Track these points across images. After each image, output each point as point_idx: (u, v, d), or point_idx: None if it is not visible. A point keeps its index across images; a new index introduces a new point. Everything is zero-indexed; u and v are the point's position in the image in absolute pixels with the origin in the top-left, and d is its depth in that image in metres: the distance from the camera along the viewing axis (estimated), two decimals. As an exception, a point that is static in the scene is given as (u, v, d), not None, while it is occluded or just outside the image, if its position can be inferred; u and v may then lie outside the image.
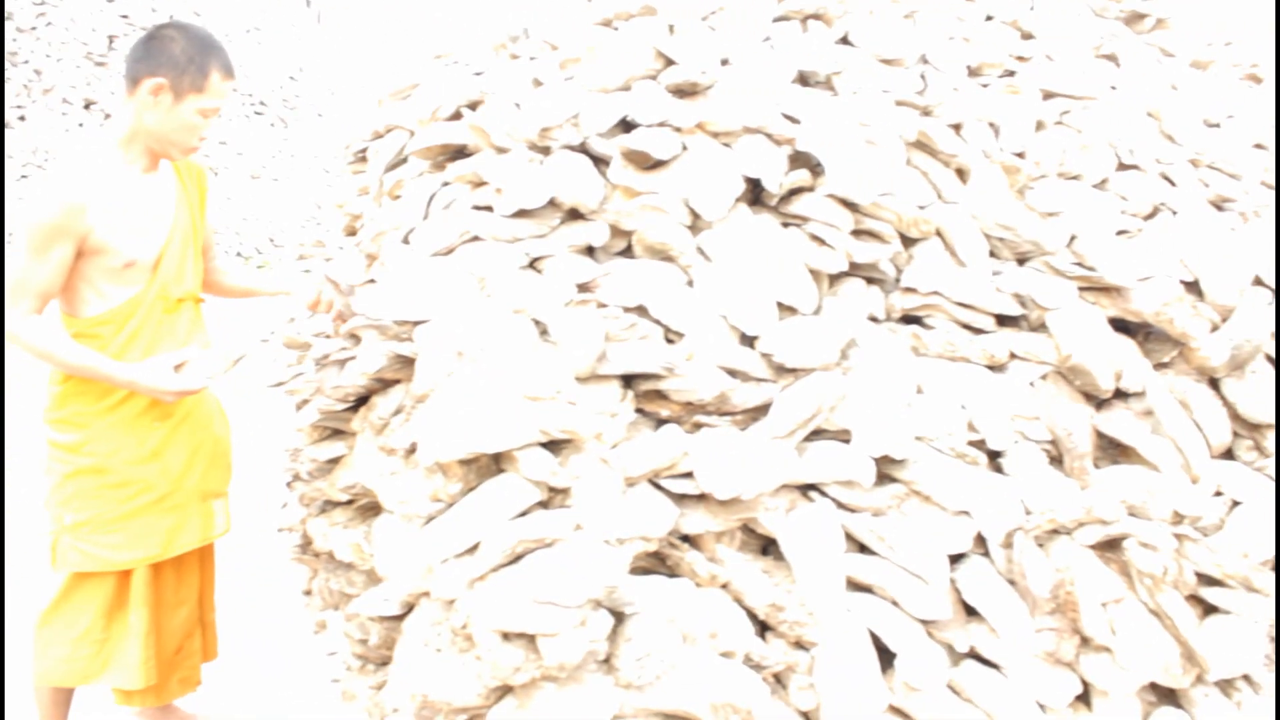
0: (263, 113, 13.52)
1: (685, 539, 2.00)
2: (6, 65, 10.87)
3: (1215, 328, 2.40)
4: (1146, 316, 2.36)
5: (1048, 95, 2.84)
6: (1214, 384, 2.39)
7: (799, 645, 1.89)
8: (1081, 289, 2.41)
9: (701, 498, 1.94)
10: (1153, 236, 2.50)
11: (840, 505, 2.04)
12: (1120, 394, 2.36)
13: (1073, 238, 2.52)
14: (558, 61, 2.64)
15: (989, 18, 3.09)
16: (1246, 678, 2.08)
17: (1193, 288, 2.47)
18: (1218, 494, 2.26)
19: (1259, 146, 3.19)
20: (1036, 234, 2.46)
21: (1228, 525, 2.20)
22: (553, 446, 1.95)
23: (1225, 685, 2.07)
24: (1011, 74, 2.87)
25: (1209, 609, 2.12)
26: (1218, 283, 2.45)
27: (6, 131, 10.55)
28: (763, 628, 1.93)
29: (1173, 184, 2.89)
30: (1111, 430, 2.24)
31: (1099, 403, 2.37)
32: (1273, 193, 2.84)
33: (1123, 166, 2.83)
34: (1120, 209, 2.72)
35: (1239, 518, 2.21)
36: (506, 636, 1.74)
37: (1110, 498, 2.13)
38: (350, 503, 2.33)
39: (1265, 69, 3.41)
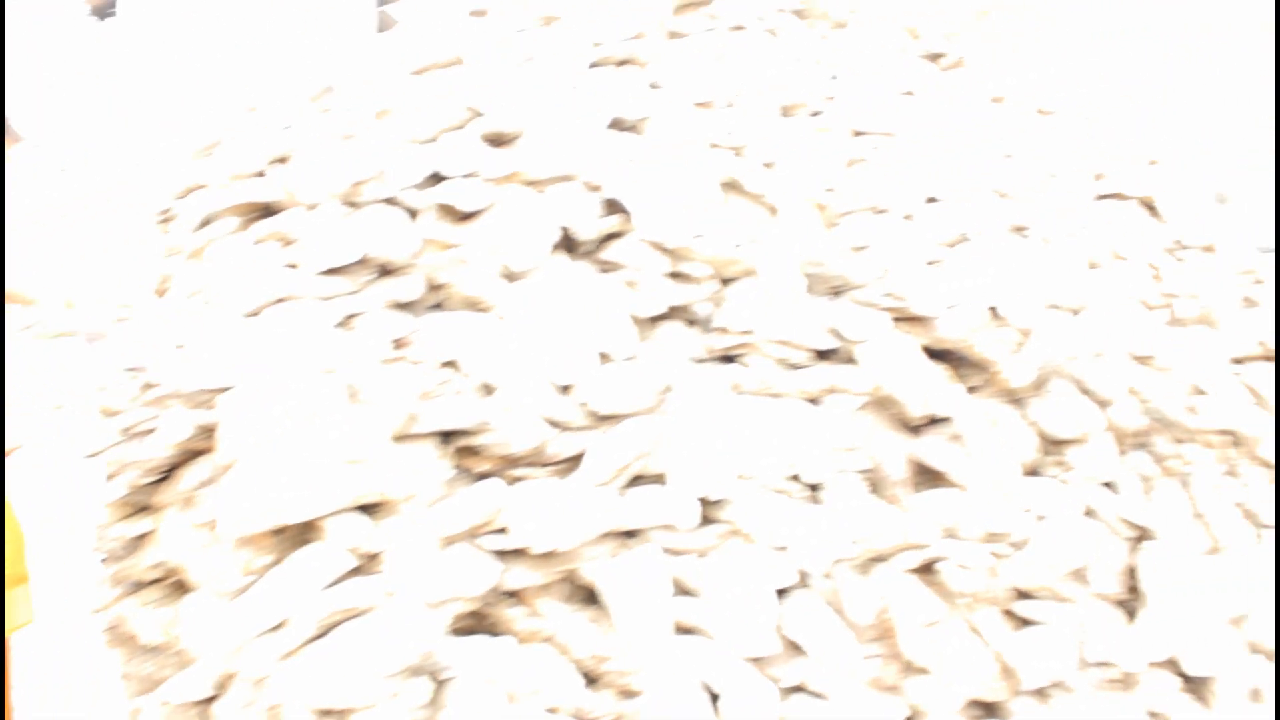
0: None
1: (511, 594, 1.97)
2: None
3: (1018, 349, 2.51)
4: (953, 343, 2.46)
5: (856, 133, 2.95)
6: (1018, 404, 2.51)
7: (626, 694, 1.88)
8: (895, 319, 2.50)
9: (522, 552, 1.92)
10: (958, 264, 2.61)
11: (666, 549, 2.05)
12: (935, 420, 2.44)
13: (884, 270, 2.61)
14: (368, 114, 2.60)
15: (797, 58, 3.20)
16: (1060, 684, 2.17)
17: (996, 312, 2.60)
18: (1027, 510, 2.36)
19: (1053, 176, 3.39)
20: (847, 268, 2.53)
21: (1036, 539, 2.30)
22: (367, 510, 1.90)
23: (1040, 694, 2.15)
24: (819, 113, 2.97)
25: (1023, 622, 2.20)
26: (1017, 306, 2.58)
27: None
28: (589, 679, 1.91)
29: (976, 214, 3.04)
30: (924, 456, 2.32)
31: (918, 428, 2.44)
32: (1063, 216, 3.01)
33: (930, 199, 2.96)
34: (928, 239, 2.85)
35: (1046, 531, 2.32)
36: (322, 713, 1.68)
37: (926, 522, 2.20)
38: (160, 581, 2.21)
39: (1056, 103, 3.64)
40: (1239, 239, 3.22)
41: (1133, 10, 4.93)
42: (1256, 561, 2.47)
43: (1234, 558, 2.51)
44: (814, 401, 2.39)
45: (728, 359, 2.42)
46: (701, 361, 2.41)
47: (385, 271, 2.28)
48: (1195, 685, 2.29)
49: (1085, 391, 2.53)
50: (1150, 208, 3.19)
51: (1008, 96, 3.48)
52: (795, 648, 2.02)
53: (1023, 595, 2.20)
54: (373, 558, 1.85)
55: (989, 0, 4.17)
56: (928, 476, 2.39)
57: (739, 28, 3.20)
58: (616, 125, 2.65)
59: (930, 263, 2.65)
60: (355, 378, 2.03)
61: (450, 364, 2.09)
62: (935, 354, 2.50)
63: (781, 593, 2.07)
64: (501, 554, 1.93)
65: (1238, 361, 2.87)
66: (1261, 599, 2.41)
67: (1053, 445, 2.48)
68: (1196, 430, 2.58)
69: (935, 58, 3.60)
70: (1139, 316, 2.76)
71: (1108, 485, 2.51)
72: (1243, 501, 2.60)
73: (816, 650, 1.97)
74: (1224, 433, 2.70)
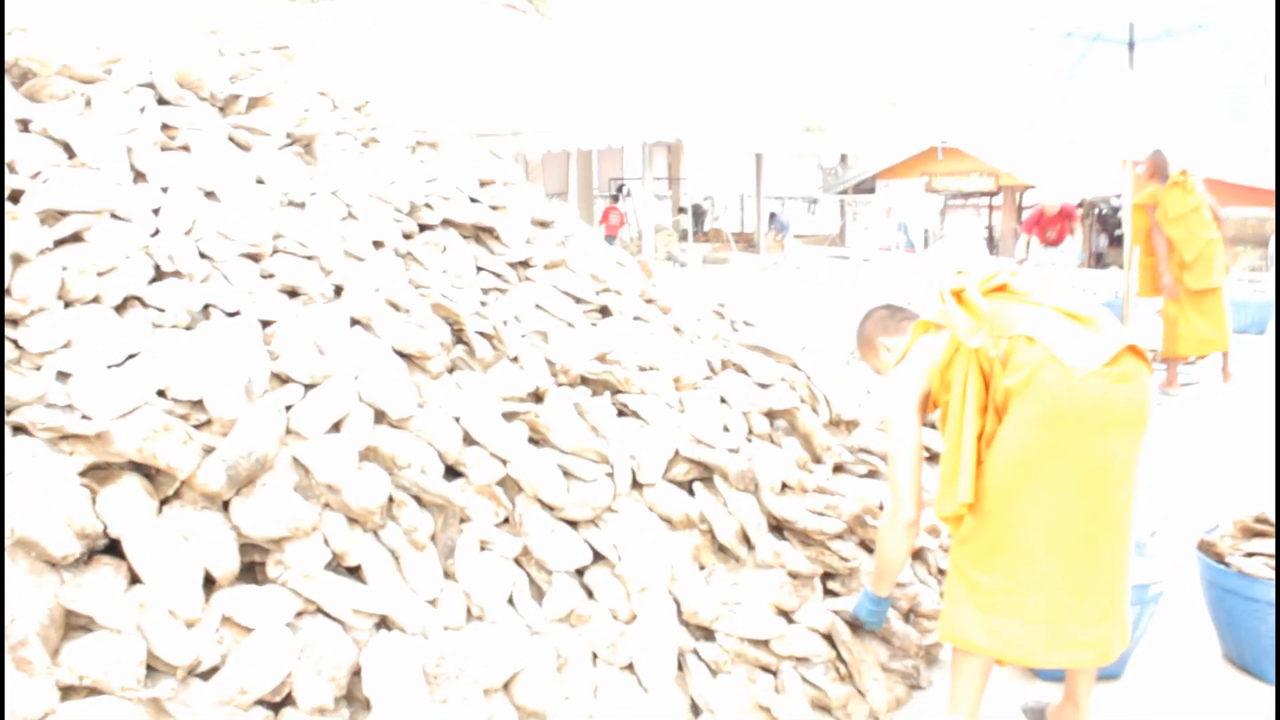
0: None
1: None
2: None
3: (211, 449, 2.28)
4: (132, 456, 2.19)
5: (60, 214, 2.59)
6: (227, 506, 2.29)
7: None
8: (57, 438, 2.18)
9: None
10: (137, 360, 2.35)
11: None
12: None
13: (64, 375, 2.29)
14: None
15: None
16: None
17: (199, 405, 2.36)
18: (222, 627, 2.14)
19: (351, 217, 3.23)
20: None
21: (230, 659, 2.09)
22: None
23: None
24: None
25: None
26: (220, 398, 2.35)
27: None
28: None
29: (229, 281, 2.79)
30: (73, 604, 2.02)
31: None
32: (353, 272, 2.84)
33: (162, 274, 2.68)
34: (158, 321, 2.56)
35: (241, 651, 2.11)
36: None
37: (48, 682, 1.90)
38: None
39: (383, 133, 3.49)
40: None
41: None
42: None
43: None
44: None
45: None
46: None
47: None
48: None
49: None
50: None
51: (318, 133, 3.27)
52: None
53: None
54: None
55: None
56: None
57: None
58: None
59: (113, 365, 2.36)
60: None
61: None
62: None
63: None
64: None
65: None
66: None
67: (261, 549, 2.28)
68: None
69: (233, 100, 3.34)
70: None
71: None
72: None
73: None
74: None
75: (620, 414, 3.27)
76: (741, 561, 3.02)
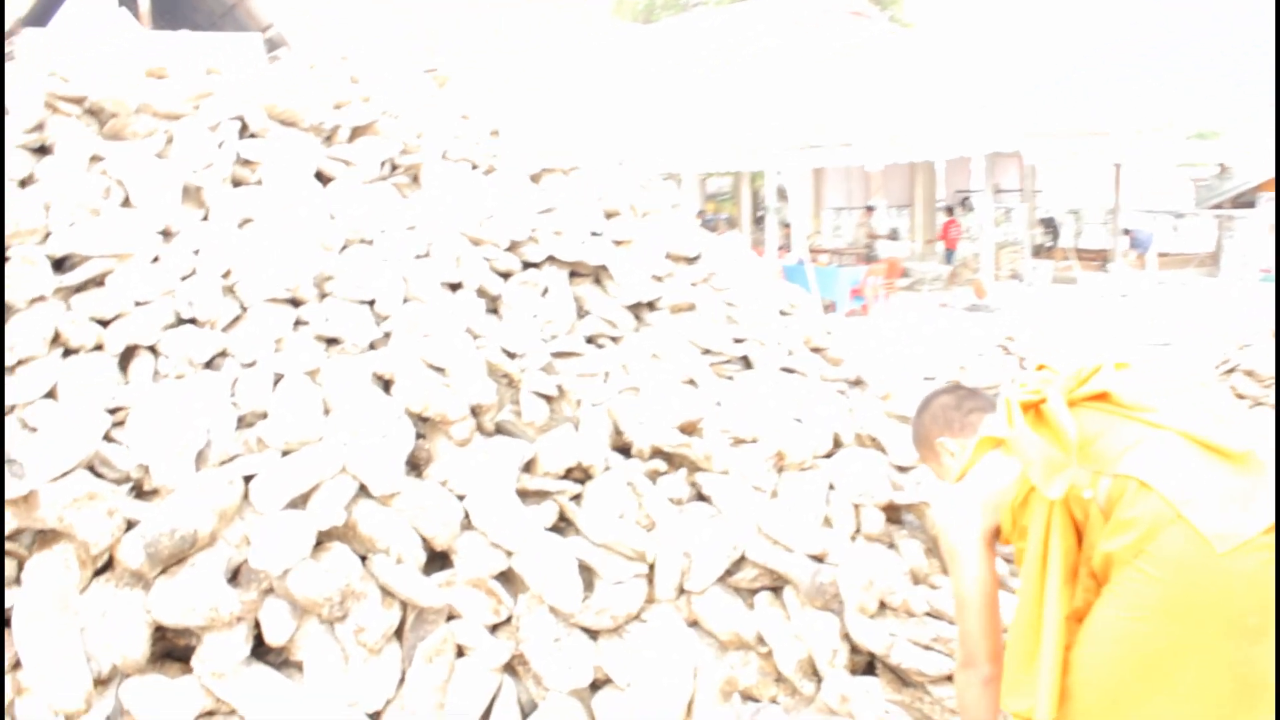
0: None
1: None
2: None
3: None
4: (52, 524, 2.05)
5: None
6: (154, 586, 2.11)
7: None
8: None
9: None
10: (85, 418, 2.22)
11: None
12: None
13: None
14: None
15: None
16: None
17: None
18: None
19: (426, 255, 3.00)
20: None
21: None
22: None
23: None
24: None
25: None
26: (164, 464, 2.18)
27: None
28: None
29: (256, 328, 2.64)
30: None
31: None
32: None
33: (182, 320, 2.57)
34: (163, 370, 2.46)
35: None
36: None
37: None
38: None
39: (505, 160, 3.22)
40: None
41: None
42: None
43: None
44: None
45: None
46: None
47: None
48: None
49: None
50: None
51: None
52: None
53: None
54: None
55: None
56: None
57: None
58: None
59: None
60: None
61: None
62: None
63: None
64: None
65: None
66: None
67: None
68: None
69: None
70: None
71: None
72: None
73: None
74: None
75: (699, 497, 2.79)
76: (805, 698, 2.44)
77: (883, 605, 2.57)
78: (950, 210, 18.30)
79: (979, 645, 1.88)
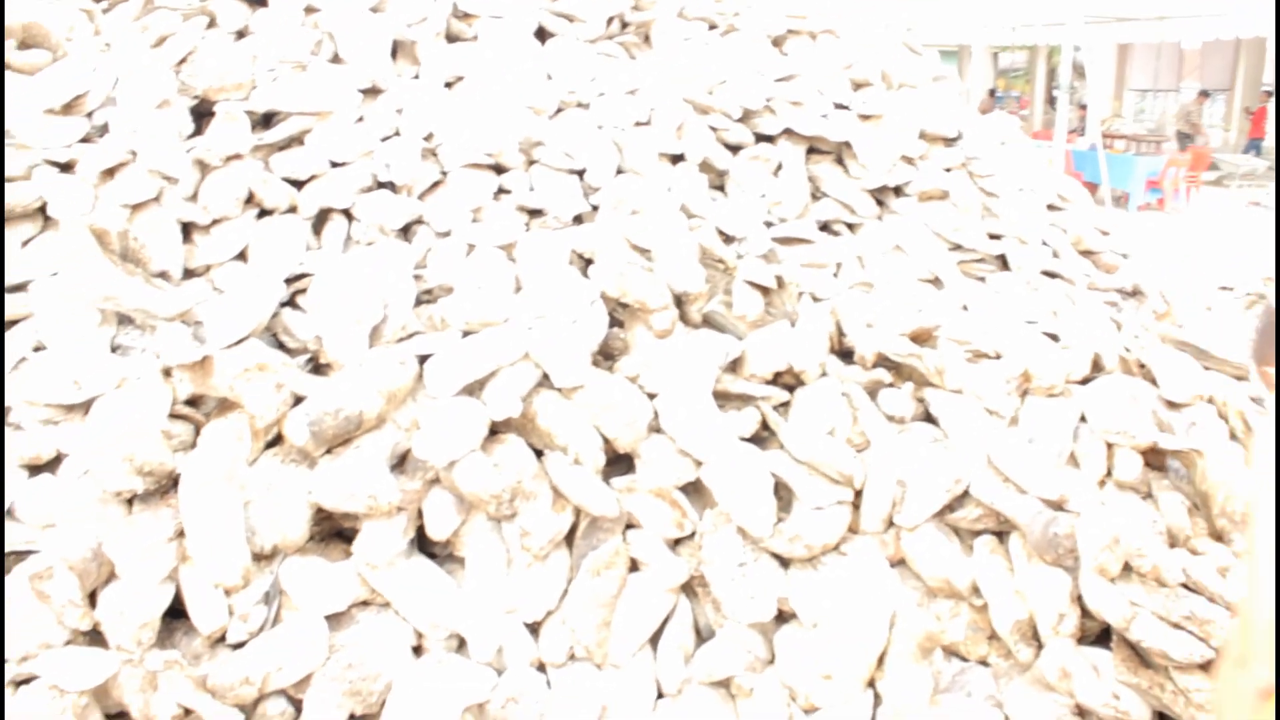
0: None
1: None
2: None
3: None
4: (223, 393, 1.98)
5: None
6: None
7: None
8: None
9: None
10: (266, 284, 2.11)
11: None
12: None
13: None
14: None
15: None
16: None
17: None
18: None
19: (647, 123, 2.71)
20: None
21: (255, 641, 1.84)
22: None
23: None
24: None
25: None
26: (337, 338, 2.05)
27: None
28: None
29: (454, 196, 2.46)
30: (106, 545, 1.89)
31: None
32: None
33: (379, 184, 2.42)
34: (356, 235, 2.33)
35: (269, 636, 1.85)
36: None
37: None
38: None
39: (747, 19, 2.84)
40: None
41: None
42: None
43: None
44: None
45: None
46: None
47: None
48: None
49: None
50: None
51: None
52: None
53: None
54: None
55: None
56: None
57: None
58: None
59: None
60: None
61: None
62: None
63: None
64: None
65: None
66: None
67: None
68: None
69: None
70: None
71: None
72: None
73: None
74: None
75: (925, 417, 2.40)
76: (1020, 665, 2.04)
77: (1127, 568, 2.08)
78: (1268, 94, 15.69)
79: (1264, 643, 1.41)
